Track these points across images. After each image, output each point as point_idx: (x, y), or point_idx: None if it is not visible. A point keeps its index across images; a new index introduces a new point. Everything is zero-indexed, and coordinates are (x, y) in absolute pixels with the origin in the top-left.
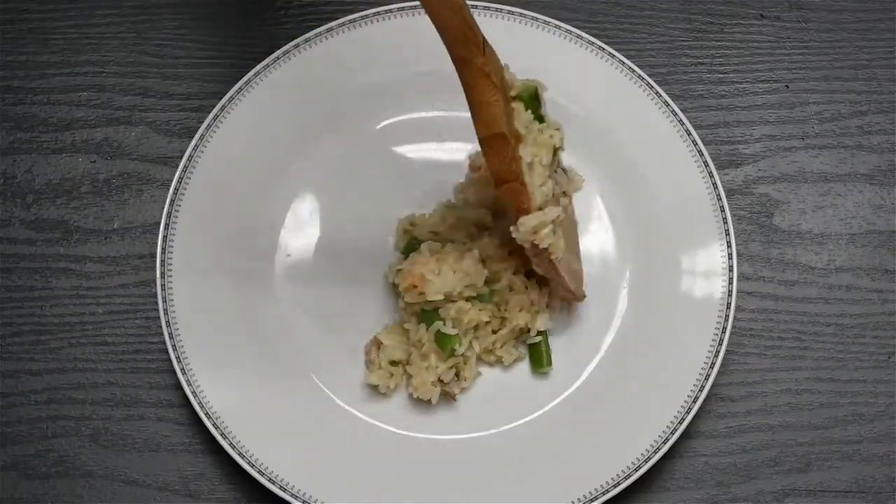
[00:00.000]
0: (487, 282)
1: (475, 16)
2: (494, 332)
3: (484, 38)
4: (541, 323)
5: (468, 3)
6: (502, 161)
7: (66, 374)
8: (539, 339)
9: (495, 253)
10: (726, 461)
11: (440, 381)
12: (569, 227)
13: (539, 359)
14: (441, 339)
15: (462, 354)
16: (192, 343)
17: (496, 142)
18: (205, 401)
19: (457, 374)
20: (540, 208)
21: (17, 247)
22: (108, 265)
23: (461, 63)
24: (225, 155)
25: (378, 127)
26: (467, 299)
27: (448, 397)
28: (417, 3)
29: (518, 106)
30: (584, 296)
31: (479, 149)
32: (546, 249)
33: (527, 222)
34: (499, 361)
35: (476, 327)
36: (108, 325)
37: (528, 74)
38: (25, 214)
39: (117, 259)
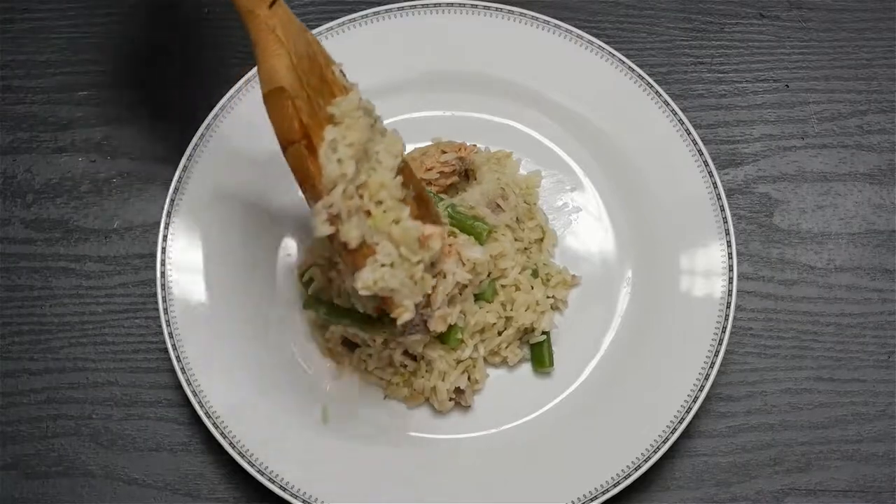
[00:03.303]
0: (493, 279)
1: (476, 16)
2: (500, 333)
3: None
4: (546, 322)
5: (468, 1)
6: (284, 118)
7: (66, 373)
8: (543, 338)
9: (504, 250)
10: (726, 461)
11: (457, 390)
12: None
13: (541, 358)
14: (447, 335)
15: (470, 357)
16: (192, 343)
17: (276, 96)
18: (205, 401)
19: (468, 378)
20: (334, 185)
21: (17, 246)
22: (108, 265)
23: (245, 14)
24: (225, 154)
25: None
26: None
27: (463, 405)
28: (418, 3)
29: (347, 99)
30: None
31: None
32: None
33: (362, 277)
34: (504, 362)
35: (482, 330)
36: (108, 324)
37: (529, 74)
38: (25, 214)
39: (117, 259)
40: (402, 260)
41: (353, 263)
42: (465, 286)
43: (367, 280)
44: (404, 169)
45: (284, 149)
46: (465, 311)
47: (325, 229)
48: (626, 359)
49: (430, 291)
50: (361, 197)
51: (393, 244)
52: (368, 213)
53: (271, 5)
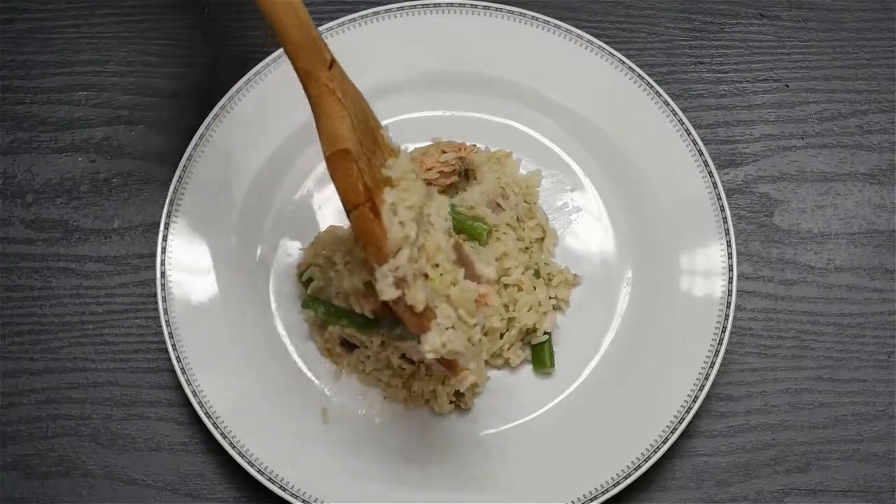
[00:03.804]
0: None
1: (476, 16)
2: (501, 335)
3: (333, 58)
4: (548, 323)
5: (453, 2)
6: (350, 180)
7: (66, 373)
8: (545, 338)
9: (507, 249)
10: (726, 461)
11: (456, 393)
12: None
13: (542, 359)
14: None
15: None
16: (192, 343)
17: (341, 158)
18: (205, 401)
19: None
20: (400, 248)
21: (17, 246)
22: (108, 265)
23: (305, 76)
24: (225, 154)
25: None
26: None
27: (462, 407)
28: (418, 3)
29: (400, 161)
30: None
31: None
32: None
33: (430, 341)
34: (506, 364)
35: (485, 333)
36: (108, 324)
37: (529, 74)
38: (25, 214)
39: (117, 259)
40: (461, 322)
41: (419, 326)
42: None
43: (436, 343)
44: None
45: (349, 212)
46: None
47: (391, 293)
48: (626, 359)
49: (486, 357)
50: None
51: (451, 307)
52: (426, 276)
53: (330, 66)
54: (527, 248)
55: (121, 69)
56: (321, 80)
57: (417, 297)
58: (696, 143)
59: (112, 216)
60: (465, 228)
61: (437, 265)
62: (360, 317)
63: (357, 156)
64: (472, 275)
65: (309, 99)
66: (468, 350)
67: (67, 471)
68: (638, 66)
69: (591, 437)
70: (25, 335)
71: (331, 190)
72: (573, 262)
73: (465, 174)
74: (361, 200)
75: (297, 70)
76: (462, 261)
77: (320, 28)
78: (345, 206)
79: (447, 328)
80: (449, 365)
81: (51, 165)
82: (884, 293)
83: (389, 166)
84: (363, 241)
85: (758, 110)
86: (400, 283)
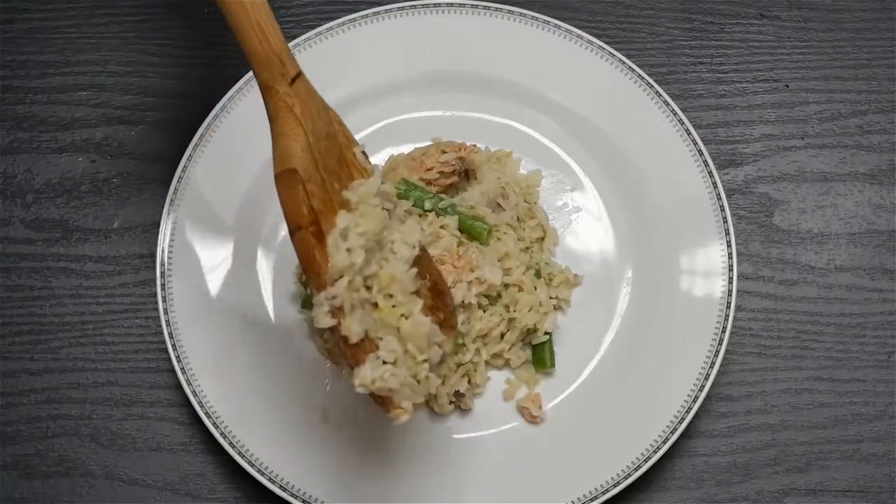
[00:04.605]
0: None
1: (476, 16)
2: (502, 336)
3: (300, 73)
4: (549, 323)
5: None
6: (294, 201)
7: (66, 373)
8: (546, 339)
9: (508, 249)
10: (726, 461)
11: (456, 393)
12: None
13: (543, 359)
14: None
15: (471, 361)
16: (192, 343)
17: (288, 178)
18: (205, 401)
19: (468, 381)
20: (340, 276)
21: (17, 246)
22: (108, 265)
23: (264, 89)
24: (225, 154)
25: (378, 126)
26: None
27: (463, 407)
28: (418, 3)
29: (366, 184)
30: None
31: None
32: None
33: (360, 374)
34: (507, 364)
35: (485, 334)
36: (107, 324)
37: (529, 74)
38: (25, 214)
39: (117, 259)
40: (407, 357)
41: (353, 358)
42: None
43: (365, 378)
44: (422, 257)
45: (292, 233)
46: (469, 317)
47: (325, 321)
48: (626, 359)
49: (433, 392)
50: (369, 289)
51: (399, 340)
52: (375, 306)
53: (293, 81)
54: (527, 248)
55: (121, 69)
56: (279, 94)
57: (352, 328)
58: (696, 143)
59: (112, 216)
60: (466, 228)
61: (391, 295)
62: None
63: (306, 177)
64: (444, 307)
65: (267, 113)
66: (407, 387)
67: (67, 471)
68: (638, 66)
69: (591, 437)
70: (25, 335)
71: None
72: (573, 262)
73: (465, 174)
74: (304, 223)
75: (258, 82)
76: (434, 287)
77: (320, 28)
78: (289, 227)
79: (385, 363)
80: (381, 401)
81: (51, 165)
82: (884, 293)
83: (352, 189)
84: (303, 265)
85: (758, 110)
86: (336, 311)
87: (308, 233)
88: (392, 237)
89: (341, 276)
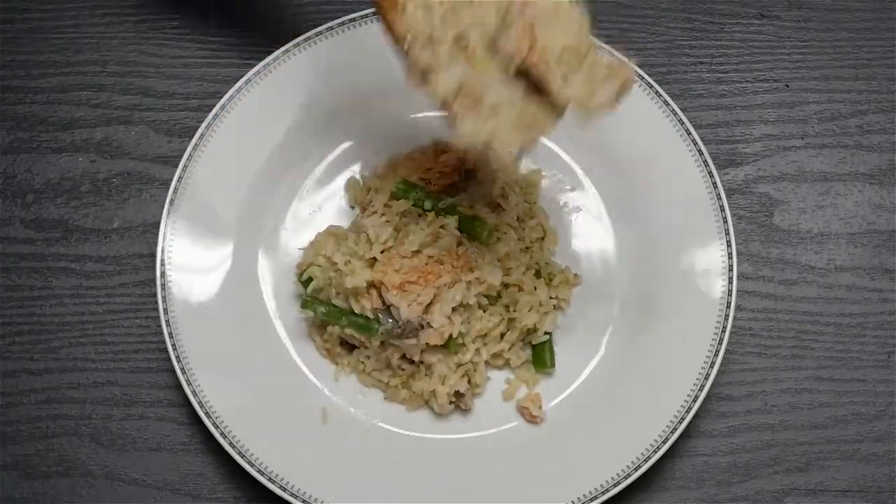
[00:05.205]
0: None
1: None
2: (502, 335)
3: None
4: (549, 323)
5: None
6: None
7: (66, 373)
8: (546, 339)
9: (509, 249)
10: (726, 460)
11: (456, 393)
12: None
13: (543, 359)
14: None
15: (471, 361)
16: (192, 343)
17: None
18: (205, 401)
19: (468, 381)
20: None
21: (17, 246)
22: (108, 265)
23: None
24: (225, 154)
25: (378, 126)
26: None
27: (462, 407)
28: None
29: None
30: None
31: None
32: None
33: (462, 127)
34: (507, 364)
35: (484, 335)
36: (107, 324)
37: None
38: (25, 214)
39: (117, 259)
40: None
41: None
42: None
43: (470, 130)
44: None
45: None
46: (469, 317)
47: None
48: (626, 359)
49: (546, 133)
50: (464, 44)
51: (503, 85)
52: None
53: None
54: (527, 248)
55: (121, 69)
56: None
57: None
58: (696, 143)
59: (112, 216)
60: (466, 228)
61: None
62: (359, 317)
63: None
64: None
65: None
66: (515, 127)
67: (67, 471)
68: (638, 66)
69: (591, 437)
70: (25, 335)
71: (330, 190)
72: (573, 262)
73: (465, 174)
74: None
75: None
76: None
77: (320, 28)
78: None
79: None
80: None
81: (51, 165)
82: (884, 293)
83: None
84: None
85: (758, 110)
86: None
87: None
88: None
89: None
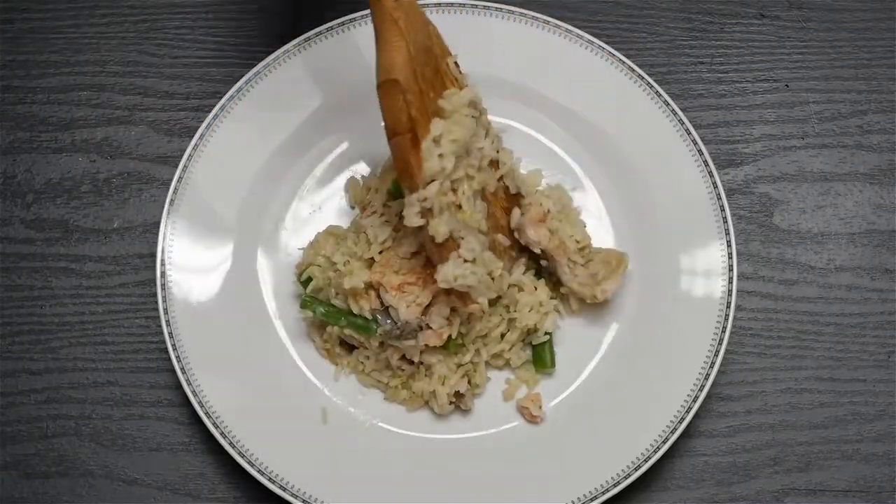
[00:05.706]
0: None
1: (475, 16)
2: (502, 336)
3: None
4: (549, 323)
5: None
6: (394, 110)
7: (66, 373)
8: (546, 339)
9: (507, 250)
10: (726, 461)
11: (456, 394)
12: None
13: (543, 359)
14: (447, 340)
15: (471, 362)
16: (192, 343)
17: (390, 87)
18: (205, 401)
19: (469, 381)
20: (432, 180)
21: (17, 246)
22: (108, 265)
23: (372, 3)
24: (224, 154)
25: (378, 126)
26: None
27: (462, 408)
28: (418, 3)
29: (458, 95)
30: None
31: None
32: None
33: (443, 271)
34: (507, 364)
35: (484, 335)
36: (107, 324)
37: (529, 74)
38: (25, 214)
39: (117, 259)
40: (485, 256)
41: (438, 256)
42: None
43: (448, 275)
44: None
45: (390, 138)
46: (469, 318)
47: (415, 221)
48: (626, 359)
49: (505, 290)
50: (455, 191)
51: (478, 240)
52: (459, 207)
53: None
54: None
55: (121, 69)
56: (386, 7)
57: (439, 229)
58: (696, 143)
59: (112, 216)
60: None
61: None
62: (358, 317)
63: (407, 87)
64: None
65: (373, 23)
66: (482, 284)
67: (67, 471)
68: (638, 66)
69: (591, 437)
70: (25, 335)
71: (330, 190)
72: None
73: None
74: (403, 130)
75: None
76: (510, 197)
77: (320, 28)
78: (387, 132)
79: (466, 261)
80: (460, 296)
81: (51, 165)
82: (884, 293)
83: (446, 97)
84: (398, 168)
85: (758, 110)
86: (425, 212)
87: (405, 138)
88: (479, 144)
89: (433, 180)
